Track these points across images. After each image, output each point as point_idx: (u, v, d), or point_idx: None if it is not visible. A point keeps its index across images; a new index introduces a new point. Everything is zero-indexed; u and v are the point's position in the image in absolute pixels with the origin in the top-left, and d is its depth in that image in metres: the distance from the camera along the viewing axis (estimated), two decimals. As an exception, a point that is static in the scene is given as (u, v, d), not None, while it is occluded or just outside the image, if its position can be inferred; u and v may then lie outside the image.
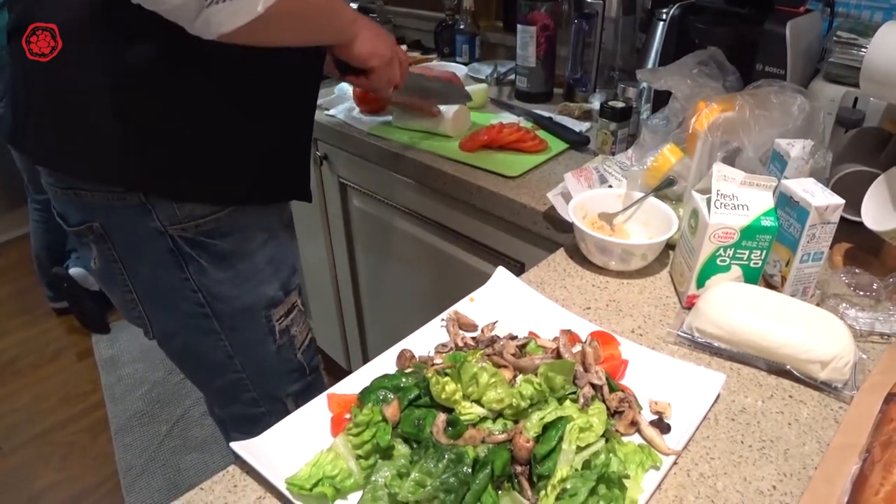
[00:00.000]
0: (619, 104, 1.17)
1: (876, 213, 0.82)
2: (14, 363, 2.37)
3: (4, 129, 0.79)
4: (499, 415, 0.58)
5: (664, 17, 1.21)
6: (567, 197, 0.96)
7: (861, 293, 0.79)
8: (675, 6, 1.17)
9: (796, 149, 0.81)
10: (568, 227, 0.95)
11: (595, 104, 1.39)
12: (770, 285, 0.82)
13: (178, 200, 0.79)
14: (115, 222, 0.81)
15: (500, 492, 0.53)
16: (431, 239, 1.36)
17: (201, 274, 0.85)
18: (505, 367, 0.63)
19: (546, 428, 0.56)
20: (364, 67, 0.94)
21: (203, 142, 0.78)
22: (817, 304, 0.76)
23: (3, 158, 2.21)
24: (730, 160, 0.87)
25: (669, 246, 0.89)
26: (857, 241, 0.89)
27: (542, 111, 1.40)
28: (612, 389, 0.63)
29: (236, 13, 0.64)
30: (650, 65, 1.28)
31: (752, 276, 0.78)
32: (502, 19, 1.87)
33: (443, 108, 1.28)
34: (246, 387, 0.97)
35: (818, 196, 0.73)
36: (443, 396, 0.58)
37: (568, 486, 0.51)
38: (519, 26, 1.44)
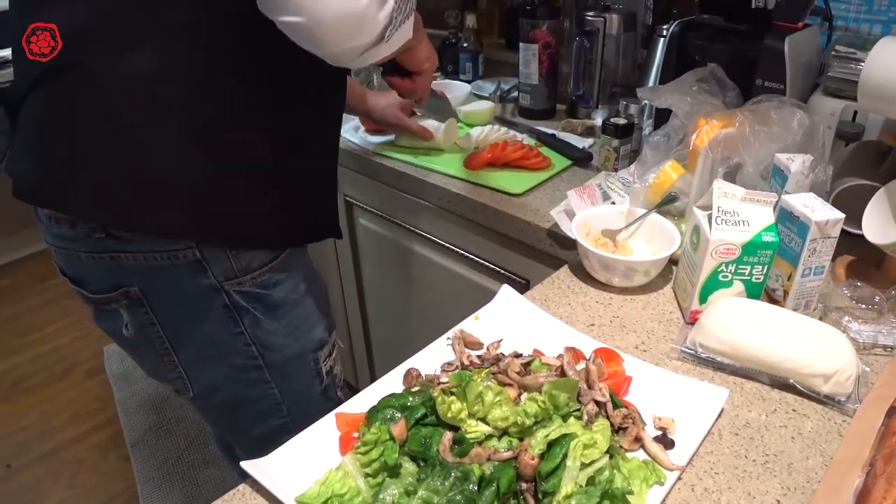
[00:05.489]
0: (622, 121, 1.18)
1: (877, 227, 0.82)
2: (23, 381, 2.39)
3: (23, 187, 0.73)
4: (504, 433, 0.59)
5: (664, 33, 1.22)
6: (570, 214, 0.97)
7: (863, 306, 0.79)
8: (675, 23, 1.18)
9: (796, 163, 0.82)
10: (571, 244, 0.96)
11: (597, 121, 1.40)
12: (772, 300, 0.82)
13: (235, 248, 0.76)
14: (158, 284, 0.77)
15: (506, 509, 0.54)
16: (437, 257, 1.37)
17: (255, 326, 0.83)
18: (510, 385, 0.64)
19: (551, 445, 0.56)
20: (417, 70, 0.93)
21: (243, 178, 0.75)
22: (820, 318, 0.77)
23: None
24: (731, 176, 0.88)
25: (673, 261, 0.89)
26: (858, 254, 0.89)
27: (545, 128, 1.41)
28: (615, 406, 0.63)
29: (397, 43, 0.67)
30: (652, 80, 1.29)
31: (754, 291, 0.78)
32: (505, 37, 1.88)
33: (433, 124, 1.30)
34: (288, 431, 0.94)
35: (818, 211, 0.74)
36: (449, 415, 0.59)
37: (573, 503, 0.52)
38: (521, 44, 1.46)
